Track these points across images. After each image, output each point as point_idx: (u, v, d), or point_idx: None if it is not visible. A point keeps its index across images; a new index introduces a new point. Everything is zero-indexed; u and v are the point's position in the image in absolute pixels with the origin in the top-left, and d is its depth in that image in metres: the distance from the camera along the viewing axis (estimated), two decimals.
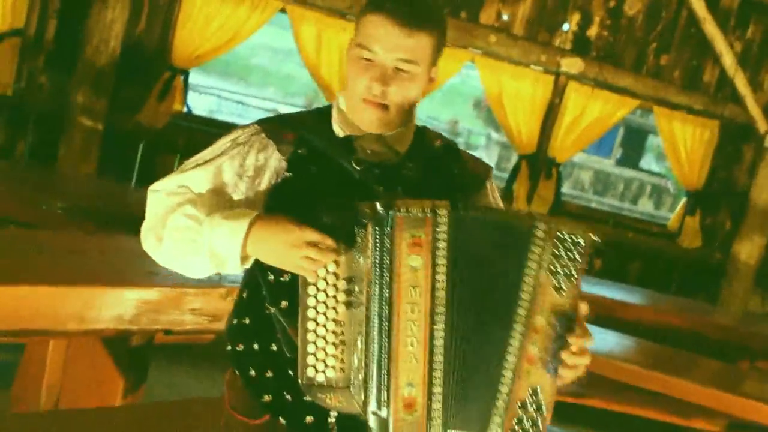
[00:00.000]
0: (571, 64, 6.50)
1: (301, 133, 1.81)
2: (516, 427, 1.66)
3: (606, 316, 4.91)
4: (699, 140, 6.81)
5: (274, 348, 1.76)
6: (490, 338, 1.67)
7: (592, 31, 6.59)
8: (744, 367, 5.44)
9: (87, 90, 5.48)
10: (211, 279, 2.98)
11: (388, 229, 1.62)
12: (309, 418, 1.75)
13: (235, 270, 1.74)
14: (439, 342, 1.63)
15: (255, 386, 1.79)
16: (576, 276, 1.67)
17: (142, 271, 3.00)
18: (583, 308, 1.69)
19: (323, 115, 1.87)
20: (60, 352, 3.21)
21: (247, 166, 1.79)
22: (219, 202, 1.77)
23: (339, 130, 1.82)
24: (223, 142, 1.83)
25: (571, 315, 1.68)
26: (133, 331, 2.94)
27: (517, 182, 6.58)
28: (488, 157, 20.05)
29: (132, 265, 3.08)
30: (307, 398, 1.69)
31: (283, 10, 5.98)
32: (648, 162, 21.66)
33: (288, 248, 1.64)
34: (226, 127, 6.56)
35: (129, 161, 5.88)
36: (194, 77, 7.10)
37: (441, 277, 1.63)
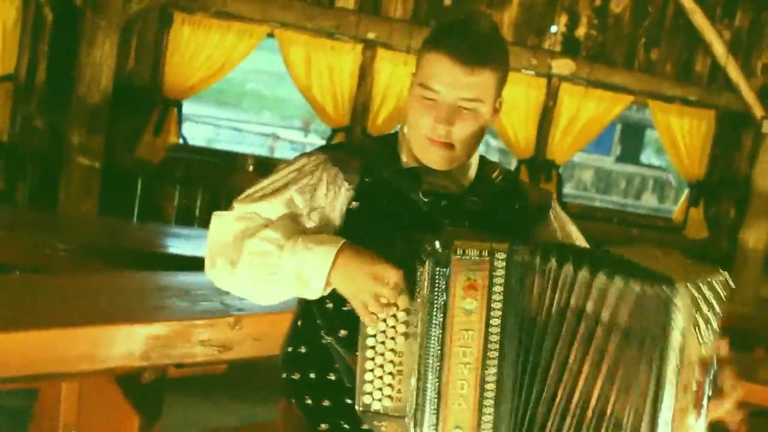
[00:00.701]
0: (563, 66, 6.50)
1: (368, 161, 1.79)
2: None
3: None
4: (696, 131, 6.80)
5: (332, 377, 1.77)
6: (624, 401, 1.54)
7: (581, 31, 6.60)
8: (760, 355, 5.41)
9: (82, 129, 5.49)
10: (217, 310, 2.99)
11: (445, 270, 1.59)
12: None
13: (317, 295, 1.70)
14: (490, 386, 1.60)
15: (312, 414, 1.80)
16: (716, 324, 1.56)
17: (150, 307, 3.00)
18: (723, 347, 1.60)
19: (388, 142, 1.86)
20: (73, 394, 3.20)
21: (318, 197, 1.77)
22: (296, 226, 1.74)
23: (406, 160, 1.81)
24: (288, 171, 1.80)
25: (713, 362, 1.59)
26: (145, 367, 2.93)
27: None
28: None
29: (139, 301, 3.08)
30: (365, 427, 1.70)
31: (271, 35, 6.00)
32: (648, 156, 21.65)
33: (368, 281, 1.61)
34: (222, 156, 6.64)
35: (129, 197, 5.89)
36: (189, 107, 7.12)
37: (495, 321, 1.60)
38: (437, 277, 1.59)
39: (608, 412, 1.55)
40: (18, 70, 5.63)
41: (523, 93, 6.47)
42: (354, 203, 1.76)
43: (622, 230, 6.97)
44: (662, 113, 6.78)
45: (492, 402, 1.61)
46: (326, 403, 1.78)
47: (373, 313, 1.62)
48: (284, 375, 1.85)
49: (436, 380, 1.60)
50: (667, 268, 1.54)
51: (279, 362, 1.87)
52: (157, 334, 2.84)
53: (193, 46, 5.80)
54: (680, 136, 6.79)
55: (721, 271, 1.60)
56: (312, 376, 1.80)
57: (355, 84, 6.09)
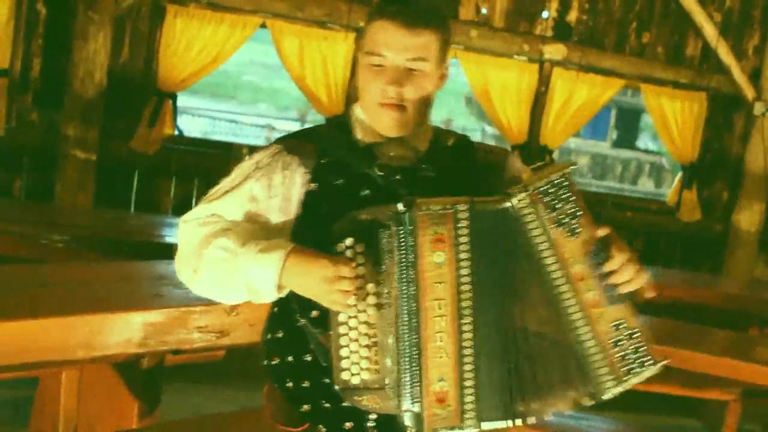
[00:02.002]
0: (554, 51, 6.53)
1: (322, 144, 1.85)
2: (623, 364, 1.68)
3: None
4: (688, 114, 6.83)
5: (309, 358, 1.80)
6: (543, 313, 1.69)
7: (572, 16, 6.62)
8: (754, 334, 5.46)
9: (77, 122, 5.53)
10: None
11: (411, 227, 1.65)
12: (348, 424, 1.79)
13: (271, 299, 1.79)
14: (468, 335, 1.65)
15: (293, 397, 1.84)
16: (580, 210, 1.69)
17: (147, 294, 3.04)
18: (600, 231, 1.70)
19: (341, 125, 1.91)
20: (73, 382, 3.24)
21: (275, 185, 1.83)
22: (253, 227, 1.81)
23: (360, 138, 1.86)
24: (247, 166, 1.87)
25: (597, 244, 1.69)
26: (143, 354, 2.96)
27: None
28: None
29: (136, 290, 3.11)
30: (346, 404, 1.73)
31: (263, 26, 6.02)
32: (644, 141, 21.67)
33: (323, 284, 1.67)
34: (217, 147, 6.66)
35: (125, 189, 5.93)
36: (185, 100, 7.14)
37: (465, 272, 1.66)
38: (404, 236, 1.65)
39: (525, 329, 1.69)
40: (13, 65, 5.65)
41: (515, 78, 6.50)
42: (312, 185, 1.81)
43: (616, 214, 7.01)
44: (654, 96, 6.81)
45: (471, 350, 1.66)
46: (306, 384, 1.81)
47: (344, 305, 1.68)
48: (265, 362, 1.89)
49: (415, 336, 1.64)
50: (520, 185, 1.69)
51: (260, 350, 1.93)
52: (154, 321, 2.87)
53: (186, 38, 5.83)
54: (672, 119, 6.82)
55: (561, 166, 1.70)
56: (290, 359, 1.83)
57: (349, 73, 6.11)
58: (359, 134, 1.87)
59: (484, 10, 6.43)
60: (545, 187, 1.68)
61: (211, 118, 20.42)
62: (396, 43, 1.77)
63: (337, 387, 1.70)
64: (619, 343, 1.68)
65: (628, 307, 1.70)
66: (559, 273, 1.67)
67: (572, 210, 1.68)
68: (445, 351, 1.65)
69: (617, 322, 1.68)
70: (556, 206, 1.68)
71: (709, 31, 6.70)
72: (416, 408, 1.66)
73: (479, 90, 6.56)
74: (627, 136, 20.32)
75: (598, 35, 6.68)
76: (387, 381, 1.68)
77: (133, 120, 5.81)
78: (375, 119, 1.83)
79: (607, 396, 1.69)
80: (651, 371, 1.71)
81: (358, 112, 1.88)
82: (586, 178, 18.89)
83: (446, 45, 1.85)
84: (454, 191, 1.73)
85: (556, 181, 1.68)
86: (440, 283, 1.65)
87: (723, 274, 6.86)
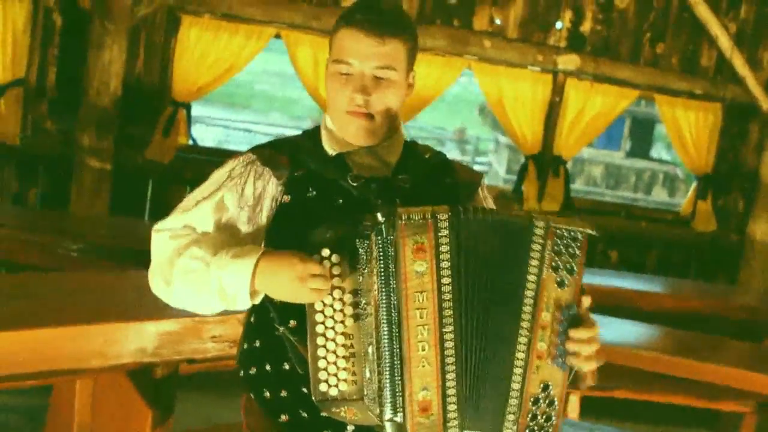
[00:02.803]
0: (568, 61, 6.53)
1: (295, 155, 1.85)
2: (530, 423, 1.69)
3: (627, 306, 4.92)
4: (703, 124, 6.81)
5: (287, 367, 1.79)
6: (500, 336, 1.69)
7: (586, 27, 6.62)
8: None
9: (92, 132, 5.55)
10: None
11: (391, 237, 1.64)
12: None
13: (246, 306, 1.78)
14: (449, 344, 1.65)
15: (271, 407, 1.82)
16: (577, 270, 1.70)
17: (161, 303, 3.04)
18: (585, 301, 1.73)
19: (314, 136, 1.91)
20: (87, 391, 3.25)
21: (246, 196, 1.83)
22: (224, 236, 1.80)
23: (330, 149, 1.86)
24: (220, 175, 1.87)
25: (574, 308, 1.71)
26: (157, 363, 2.98)
27: (525, 183, 6.60)
28: (498, 160, 20.06)
29: (151, 298, 3.11)
30: (324, 414, 1.72)
31: (278, 36, 6.04)
32: (658, 151, 21.61)
33: (294, 283, 1.66)
34: (231, 156, 6.63)
35: (140, 198, 5.95)
36: (200, 109, 7.17)
37: (447, 281, 1.66)
38: (384, 245, 1.64)
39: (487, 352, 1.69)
40: (28, 74, 5.69)
41: (529, 89, 6.49)
42: (285, 197, 1.81)
43: (630, 224, 6.99)
44: (669, 107, 6.79)
45: (453, 359, 1.66)
46: (283, 393, 1.80)
47: (322, 302, 1.68)
48: (241, 373, 1.88)
49: (397, 346, 1.64)
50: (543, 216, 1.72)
51: (236, 361, 1.92)
52: (168, 331, 2.89)
53: (201, 48, 5.85)
54: (687, 129, 6.79)
55: (588, 226, 1.72)
56: (268, 368, 1.82)
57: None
58: (327, 144, 1.87)
59: (497, 21, 6.43)
60: (564, 233, 1.70)
61: (225, 128, 20.50)
62: (363, 51, 1.78)
63: (315, 398, 1.69)
64: (537, 402, 1.70)
65: (564, 376, 1.72)
66: (529, 309, 1.68)
67: (571, 266, 1.70)
68: (428, 360, 1.64)
69: (547, 383, 1.70)
70: (561, 253, 1.69)
71: (724, 41, 6.68)
72: (399, 418, 1.65)
73: (493, 100, 6.55)
74: (641, 146, 20.27)
75: (612, 46, 6.67)
76: (365, 392, 1.68)
77: (147, 129, 5.84)
78: (343, 128, 1.84)
79: None
80: None
81: (327, 121, 1.89)
82: (599, 187, 18.85)
83: (413, 53, 1.86)
84: (430, 203, 1.73)
85: (574, 234, 1.70)
86: (422, 292, 1.64)
87: (738, 285, 6.82)
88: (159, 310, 2.98)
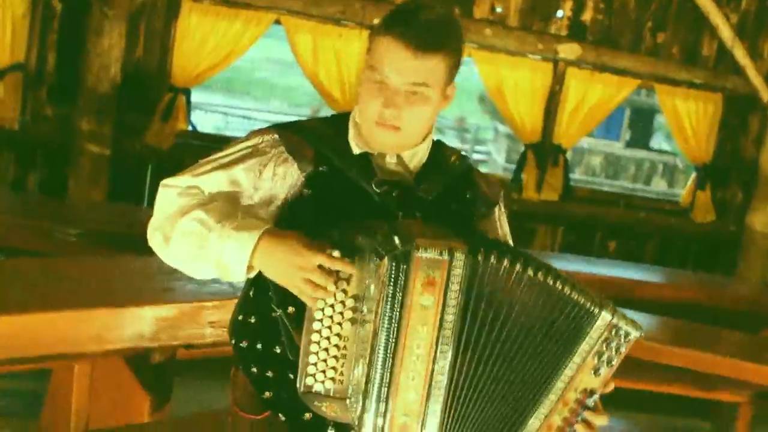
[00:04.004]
0: (569, 50, 6.51)
1: (321, 149, 1.82)
2: None
3: (625, 296, 4.92)
4: (703, 114, 6.80)
5: (278, 350, 1.79)
6: (508, 393, 1.71)
7: (587, 16, 6.60)
8: (766, 336, 5.44)
9: (91, 117, 5.55)
10: (226, 291, 3.04)
11: (404, 266, 1.62)
12: (308, 415, 1.78)
13: (239, 279, 1.76)
14: (439, 379, 1.66)
15: (256, 383, 1.82)
16: (614, 364, 1.74)
17: (159, 289, 3.05)
18: (610, 387, 1.77)
19: (340, 127, 1.87)
20: (85, 375, 3.26)
21: (264, 177, 1.80)
22: (231, 208, 1.77)
23: (355, 147, 1.84)
24: (242, 147, 1.83)
25: (596, 395, 1.75)
26: (154, 349, 2.98)
27: (525, 172, 6.60)
28: (497, 149, 20.05)
29: (148, 284, 3.13)
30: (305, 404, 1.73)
31: (278, 22, 6.03)
32: (658, 141, 21.59)
33: (293, 269, 1.65)
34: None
35: (139, 184, 5.95)
36: (199, 96, 7.16)
37: (449, 318, 1.65)
38: (397, 272, 1.63)
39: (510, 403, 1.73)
40: (28, 59, 5.68)
41: (529, 78, 6.48)
42: (306, 191, 1.78)
43: (629, 214, 6.99)
44: (669, 97, 6.78)
45: (440, 394, 1.67)
46: (269, 374, 1.80)
47: (313, 297, 1.66)
48: (233, 341, 1.87)
49: (389, 370, 1.65)
50: (602, 299, 1.73)
51: (228, 329, 1.91)
52: (166, 316, 2.89)
53: (201, 34, 5.84)
54: (687, 119, 6.79)
55: (639, 327, 1.74)
56: (259, 346, 1.81)
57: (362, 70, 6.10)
58: (353, 141, 1.84)
59: (498, 9, 6.42)
60: (621, 328, 1.71)
61: (224, 114, 20.46)
62: (399, 66, 1.71)
63: (300, 390, 1.69)
64: None
65: None
66: (562, 386, 1.72)
67: (611, 359, 1.73)
68: (415, 390, 1.66)
69: None
70: (610, 346, 1.72)
71: (725, 31, 6.66)
72: None
73: (493, 89, 6.55)
74: (640, 136, 20.24)
75: (612, 35, 6.66)
76: (350, 393, 1.69)
77: (147, 115, 5.83)
78: (370, 135, 1.80)
79: None
80: None
81: (357, 115, 1.85)
82: (598, 177, 18.85)
83: (455, 66, 1.79)
84: (449, 218, 1.73)
85: (628, 332, 1.72)
86: (423, 325, 1.65)
87: (736, 276, 6.83)
88: (157, 295, 3.00)
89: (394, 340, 1.64)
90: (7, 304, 2.66)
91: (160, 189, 1.82)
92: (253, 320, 1.84)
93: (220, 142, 6.60)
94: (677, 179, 18.89)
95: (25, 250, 4.26)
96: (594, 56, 6.56)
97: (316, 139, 1.84)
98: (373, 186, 1.78)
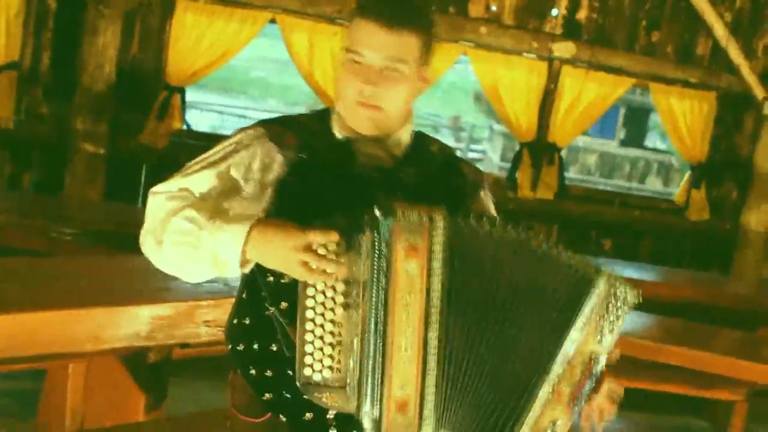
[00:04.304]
0: (564, 49, 6.52)
1: (303, 137, 1.84)
2: None
3: None
4: (698, 113, 6.81)
5: (274, 348, 1.79)
6: (509, 363, 1.71)
7: (582, 14, 6.61)
8: (763, 335, 5.45)
9: (87, 116, 5.54)
10: (221, 290, 3.04)
11: (386, 235, 1.64)
12: (308, 415, 1.78)
13: (235, 274, 1.76)
14: (432, 347, 1.66)
15: (255, 385, 1.82)
16: (617, 330, 1.73)
17: (155, 288, 3.05)
18: (616, 353, 1.76)
19: (323, 118, 1.90)
20: (80, 375, 3.25)
21: (252, 170, 1.81)
22: (221, 205, 1.78)
23: (338, 133, 1.86)
24: (227, 145, 1.85)
25: (602, 362, 1.75)
26: (150, 348, 2.98)
27: (520, 170, 6.60)
28: (492, 148, 20.07)
29: (144, 283, 3.12)
30: (306, 396, 1.72)
31: (273, 21, 6.02)
32: (653, 140, 21.63)
33: (288, 251, 1.65)
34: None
35: (134, 183, 5.94)
36: (194, 95, 7.16)
37: (436, 284, 1.66)
38: (379, 242, 1.64)
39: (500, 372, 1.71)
40: (22, 57, 5.66)
41: (524, 76, 6.48)
42: (290, 177, 1.80)
43: (623, 213, 7.00)
44: (663, 95, 6.79)
45: (435, 362, 1.67)
46: (269, 373, 1.80)
47: (318, 276, 1.67)
48: (229, 346, 1.87)
49: (381, 342, 1.65)
50: (597, 266, 1.73)
51: (224, 333, 1.91)
52: (161, 315, 2.89)
53: (196, 33, 5.83)
54: (681, 118, 6.80)
55: (637, 290, 1.74)
56: (255, 347, 1.82)
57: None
58: (337, 129, 1.86)
59: (493, 7, 6.42)
60: (620, 293, 1.71)
61: (219, 113, 20.46)
62: (375, 43, 1.76)
63: (299, 382, 1.69)
64: None
65: (570, 420, 1.75)
66: (566, 351, 1.70)
67: (615, 324, 1.72)
68: (409, 359, 1.65)
69: (556, 420, 1.73)
70: (609, 309, 1.71)
71: (720, 30, 6.67)
72: (375, 413, 1.66)
73: (488, 87, 6.55)
74: (635, 135, 20.28)
75: (607, 33, 6.66)
76: (348, 381, 1.68)
77: (142, 114, 5.82)
78: (352, 117, 1.82)
79: None
80: None
81: (337, 106, 1.88)
82: (593, 176, 18.86)
83: (428, 46, 1.83)
84: (433, 199, 1.73)
85: (628, 297, 1.71)
86: (411, 292, 1.65)
87: (731, 274, 6.84)
88: (152, 294, 2.99)
89: (383, 310, 1.65)
90: (2, 303, 2.66)
91: (149, 197, 1.83)
92: (247, 321, 1.84)
93: (215, 141, 6.59)
94: (672, 178, 18.92)
95: (21, 249, 4.26)
96: (589, 55, 6.57)
97: (299, 127, 1.87)
98: (355, 169, 1.81)
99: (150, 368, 3.08)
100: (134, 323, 2.81)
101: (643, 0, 6.69)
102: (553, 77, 6.54)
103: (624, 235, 6.98)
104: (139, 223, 1.87)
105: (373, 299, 1.65)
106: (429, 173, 1.87)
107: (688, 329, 4.70)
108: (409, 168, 1.85)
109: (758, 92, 6.77)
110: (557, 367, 1.70)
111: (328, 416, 1.78)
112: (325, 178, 1.80)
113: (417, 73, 1.83)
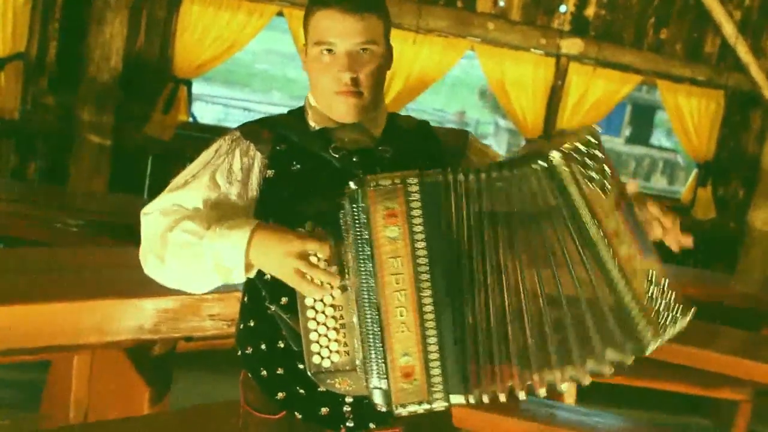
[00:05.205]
0: (571, 45, 6.50)
1: (278, 130, 1.85)
2: (659, 316, 1.65)
3: None
4: (705, 111, 6.79)
5: (281, 345, 1.79)
6: (557, 281, 1.64)
7: (590, 11, 6.58)
8: (767, 334, 5.44)
9: (92, 107, 5.52)
10: (227, 285, 3.03)
11: (363, 204, 1.63)
12: (324, 410, 1.79)
13: (241, 279, 1.76)
14: (428, 308, 1.64)
15: (268, 385, 1.83)
16: (605, 168, 1.66)
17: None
18: (632, 186, 1.72)
19: (298, 112, 1.91)
20: (85, 366, 3.25)
21: (235, 171, 1.83)
22: (216, 212, 1.79)
23: (314, 124, 1.86)
24: (207, 154, 1.87)
25: (629, 201, 1.69)
26: (154, 341, 2.97)
27: None
28: (497, 144, 20.05)
29: (149, 276, 3.12)
30: (321, 389, 1.72)
31: (280, 14, 6.01)
32: (658, 138, 21.60)
33: (284, 257, 1.66)
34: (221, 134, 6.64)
35: (139, 175, 5.94)
36: (199, 87, 7.15)
37: (420, 245, 1.64)
38: (356, 213, 1.63)
39: (546, 294, 1.63)
40: (29, 48, 5.65)
41: (531, 72, 6.46)
42: (269, 171, 1.81)
43: None
44: (671, 93, 6.77)
45: (433, 323, 1.64)
46: (280, 371, 1.81)
47: (310, 286, 1.67)
48: (239, 352, 1.88)
49: (376, 313, 1.63)
50: (542, 147, 1.65)
51: (234, 341, 1.92)
52: (166, 308, 2.88)
53: (203, 25, 5.82)
54: (689, 116, 6.78)
55: (588, 127, 1.69)
56: (263, 347, 1.82)
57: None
58: (312, 121, 1.86)
59: (501, 3, 6.40)
60: (577, 145, 1.64)
61: (224, 106, 20.45)
62: (344, 30, 1.76)
63: (309, 372, 1.69)
64: (653, 296, 1.65)
65: (658, 259, 1.69)
66: (595, 229, 1.61)
67: (602, 168, 1.66)
68: (407, 325, 1.63)
69: (649, 275, 1.66)
70: (587, 164, 1.64)
71: (728, 28, 6.64)
72: (383, 384, 1.64)
73: (495, 83, 6.53)
74: (641, 132, 20.25)
75: (615, 30, 6.64)
76: (357, 362, 1.67)
77: (148, 106, 5.82)
78: (332, 108, 1.82)
79: (646, 351, 1.64)
80: (684, 322, 1.69)
81: (310, 99, 1.88)
82: None
83: (388, 27, 1.86)
84: (412, 168, 1.70)
85: (587, 140, 1.65)
86: (396, 257, 1.63)
87: (737, 274, 6.82)
88: (158, 287, 2.98)
89: (372, 280, 1.63)
90: (6, 295, 2.65)
91: (142, 218, 1.83)
92: (252, 324, 1.85)
93: (218, 133, 6.60)
94: (677, 176, 18.89)
95: (25, 239, 4.26)
96: (596, 51, 6.54)
97: (274, 123, 1.89)
98: (332, 152, 1.80)
99: (155, 361, 3.08)
100: (139, 316, 2.81)
101: None
102: (560, 74, 6.51)
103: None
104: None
105: (362, 270, 1.64)
106: (407, 148, 1.87)
107: (692, 328, 4.67)
108: (386, 145, 1.85)
109: (766, 91, 6.74)
110: (601, 244, 1.60)
111: (344, 408, 1.79)
112: (305, 166, 1.81)
113: (386, 52, 1.84)
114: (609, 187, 1.65)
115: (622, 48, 6.62)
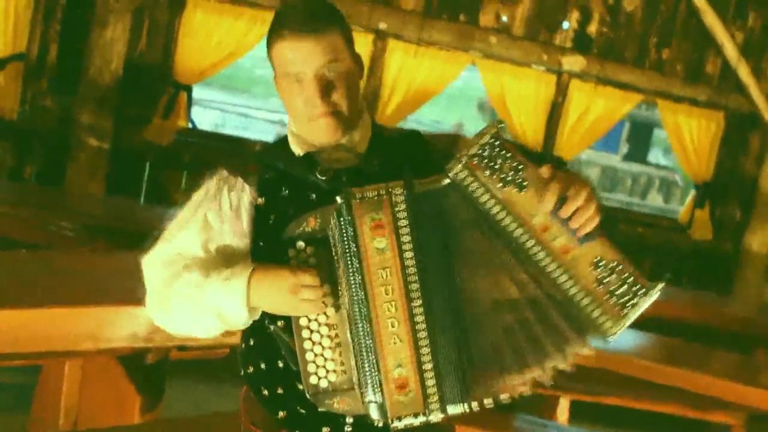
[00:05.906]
0: (573, 62, 6.50)
1: (263, 160, 1.85)
2: (614, 301, 1.64)
3: None
4: (705, 132, 6.79)
5: (281, 365, 1.79)
6: (508, 285, 1.66)
7: (592, 28, 6.59)
8: (761, 358, 5.42)
9: (91, 110, 5.51)
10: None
11: (349, 217, 1.63)
12: (325, 429, 1.77)
13: (246, 324, 1.78)
14: (419, 318, 1.63)
15: (269, 404, 1.83)
16: (517, 164, 1.65)
17: None
18: (544, 171, 1.66)
19: (280, 141, 1.91)
20: (76, 372, 3.23)
21: (224, 210, 1.83)
22: (214, 255, 1.82)
23: (299, 151, 1.85)
24: (198, 197, 1.88)
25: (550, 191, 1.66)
26: (148, 349, 2.95)
27: None
28: None
29: (144, 283, 3.09)
30: (321, 409, 1.71)
31: None
32: (656, 156, 21.61)
33: (288, 296, 1.67)
34: (231, 141, 6.63)
35: (137, 179, 5.91)
36: (198, 92, 7.13)
37: (409, 255, 1.63)
38: (343, 226, 1.63)
39: (494, 300, 1.66)
40: (29, 49, 5.64)
41: (532, 88, 6.46)
42: (260, 200, 1.80)
43: (626, 229, 6.97)
44: (671, 113, 6.78)
45: (425, 333, 1.63)
46: (280, 391, 1.80)
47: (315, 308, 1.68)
48: (241, 372, 1.89)
49: (368, 325, 1.62)
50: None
51: (238, 361, 1.93)
52: None
53: (205, 31, 5.81)
54: (688, 136, 6.78)
55: (489, 126, 1.68)
56: (263, 366, 1.82)
57: (365, 74, 6.08)
58: (294, 146, 1.85)
59: (504, 18, 6.40)
60: (478, 152, 1.64)
61: (222, 111, 20.41)
62: (306, 56, 1.74)
63: (307, 394, 1.69)
64: (604, 281, 1.64)
65: (603, 241, 1.66)
66: (520, 231, 1.63)
67: (513, 165, 1.64)
68: (399, 337, 1.62)
69: (596, 261, 1.65)
70: (495, 167, 1.64)
71: (730, 49, 6.66)
72: (378, 398, 1.63)
73: (495, 97, 6.53)
74: (638, 150, 20.26)
75: (617, 48, 6.65)
76: (355, 380, 1.67)
77: (147, 110, 5.80)
78: (312, 133, 1.81)
79: (611, 337, 1.65)
80: (648, 300, 1.65)
81: (292, 126, 1.87)
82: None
83: (349, 36, 1.83)
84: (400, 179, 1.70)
85: (487, 143, 1.65)
86: (385, 269, 1.63)
87: (732, 296, 6.82)
88: None
89: (363, 292, 1.63)
90: None
91: (144, 269, 1.86)
92: (252, 343, 1.85)
93: (218, 139, 6.58)
94: (673, 194, 18.91)
95: (19, 241, 4.23)
96: (598, 69, 6.55)
97: (257, 154, 1.89)
98: (318, 175, 1.79)
99: (147, 369, 3.05)
100: (133, 324, 2.78)
101: (654, 16, 6.67)
102: (561, 90, 6.52)
103: (625, 252, 6.93)
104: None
105: (352, 284, 1.63)
106: (394, 156, 1.85)
107: (686, 350, 4.67)
108: (372, 158, 1.84)
109: (766, 113, 6.75)
110: (531, 244, 1.63)
111: (345, 428, 1.77)
112: (294, 191, 1.81)
113: (353, 64, 1.82)
114: (526, 183, 1.65)
115: (623, 66, 6.63)
